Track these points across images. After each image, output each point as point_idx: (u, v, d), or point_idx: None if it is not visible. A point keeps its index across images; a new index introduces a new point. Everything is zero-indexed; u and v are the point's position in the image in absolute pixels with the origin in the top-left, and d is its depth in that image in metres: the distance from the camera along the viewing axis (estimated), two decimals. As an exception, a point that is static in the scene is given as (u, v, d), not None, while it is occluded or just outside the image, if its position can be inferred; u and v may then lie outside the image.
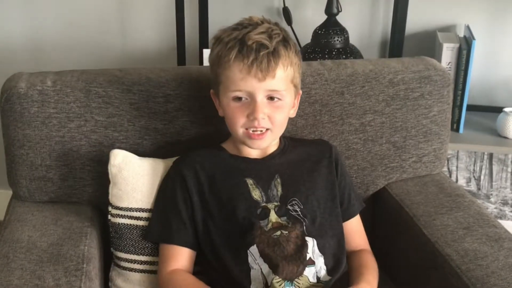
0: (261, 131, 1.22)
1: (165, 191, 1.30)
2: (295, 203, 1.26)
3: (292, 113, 1.31)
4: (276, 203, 1.25)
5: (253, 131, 1.22)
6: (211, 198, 1.26)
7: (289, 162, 1.32)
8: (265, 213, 1.23)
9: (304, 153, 1.35)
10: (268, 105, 1.21)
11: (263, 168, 1.29)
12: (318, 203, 1.28)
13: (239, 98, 1.20)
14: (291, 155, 1.33)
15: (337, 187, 1.34)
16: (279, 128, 1.26)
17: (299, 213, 1.25)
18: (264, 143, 1.26)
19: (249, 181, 1.27)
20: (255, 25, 1.21)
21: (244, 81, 1.18)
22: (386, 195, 1.52)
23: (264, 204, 1.24)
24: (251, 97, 1.20)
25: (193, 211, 1.26)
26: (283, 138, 1.35)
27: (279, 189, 1.27)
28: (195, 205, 1.26)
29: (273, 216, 1.23)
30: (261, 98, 1.19)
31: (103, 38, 2.31)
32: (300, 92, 1.31)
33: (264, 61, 1.16)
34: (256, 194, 1.25)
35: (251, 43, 1.17)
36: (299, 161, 1.33)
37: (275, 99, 1.21)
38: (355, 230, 1.37)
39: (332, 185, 1.33)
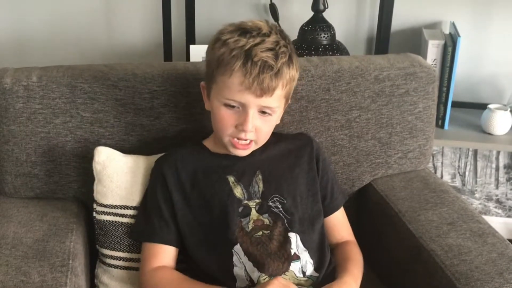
0: (247, 141, 1.23)
1: (148, 190, 1.30)
2: (277, 199, 1.26)
3: (277, 120, 1.30)
4: (257, 200, 1.25)
5: (238, 139, 1.22)
6: (193, 196, 1.26)
7: (270, 158, 1.32)
8: (247, 212, 1.24)
9: (285, 149, 1.35)
10: (259, 118, 1.21)
11: (244, 165, 1.28)
12: (300, 199, 1.29)
13: (232, 106, 1.20)
14: (273, 151, 1.33)
15: (318, 183, 1.34)
16: (263, 139, 1.27)
17: (281, 209, 1.25)
18: (247, 153, 1.26)
19: (231, 179, 1.27)
20: (263, 36, 1.18)
21: (241, 93, 1.17)
22: (372, 190, 1.53)
23: (246, 202, 1.25)
24: (244, 108, 1.19)
25: (175, 210, 1.26)
26: None
27: (260, 185, 1.27)
28: (176, 203, 1.26)
29: (254, 214, 1.24)
30: (253, 112, 1.19)
31: (89, 34, 2.30)
32: (289, 101, 1.30)
33: (266, 81, 1.15)
34: (237, 191, 1.26)
35: (256, 60, 1.15)
36: (280, 157, 1.33)
37: (267, 114, 1.21)
38: (339, 223, 1.38)
39: (313, 181, 1.33)
